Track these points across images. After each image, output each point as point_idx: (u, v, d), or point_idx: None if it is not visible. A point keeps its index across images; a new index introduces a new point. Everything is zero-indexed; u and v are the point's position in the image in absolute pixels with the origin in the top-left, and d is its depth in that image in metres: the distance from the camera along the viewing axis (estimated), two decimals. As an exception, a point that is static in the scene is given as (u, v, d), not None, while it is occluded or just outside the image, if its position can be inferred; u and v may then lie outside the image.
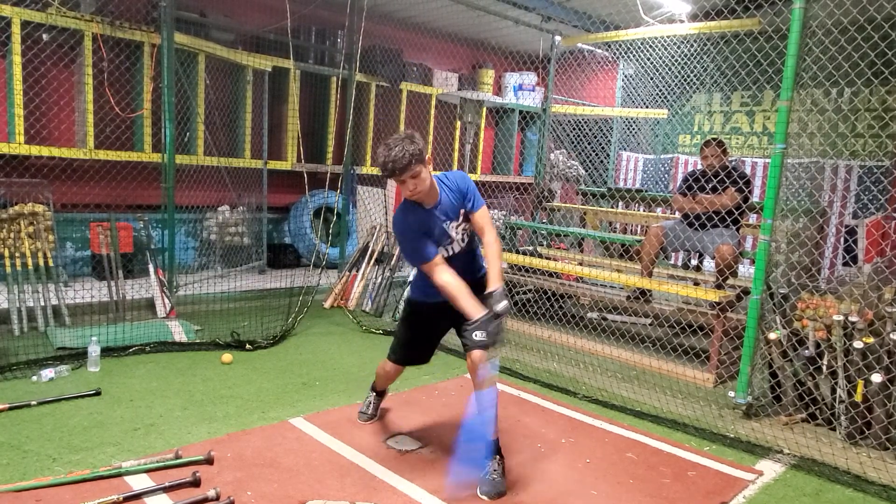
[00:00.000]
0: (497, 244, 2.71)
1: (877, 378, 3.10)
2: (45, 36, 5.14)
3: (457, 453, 2.89)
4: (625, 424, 3.41)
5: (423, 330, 2.95)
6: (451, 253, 2.74)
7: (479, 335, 2.56)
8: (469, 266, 2.81)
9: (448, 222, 2.70)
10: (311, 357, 4.23)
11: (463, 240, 2.77)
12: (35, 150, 5.07)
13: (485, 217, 2.73)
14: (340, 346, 4.52)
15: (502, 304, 2.54)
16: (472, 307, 2.54)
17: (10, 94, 4.91)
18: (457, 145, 8.26)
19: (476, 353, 2.58)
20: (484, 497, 2.56)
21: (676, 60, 6.85)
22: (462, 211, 2.72)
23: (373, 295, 5.62)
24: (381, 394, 3.32)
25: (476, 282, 2.73)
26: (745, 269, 6.42)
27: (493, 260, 2.69)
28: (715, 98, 8.56)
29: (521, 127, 9.26)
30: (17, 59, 4.82)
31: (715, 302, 4.10)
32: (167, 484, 2.46)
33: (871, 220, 6.19)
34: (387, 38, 7.14)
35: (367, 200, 6.65)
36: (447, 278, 2.59)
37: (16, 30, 4.78)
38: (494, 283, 2.60)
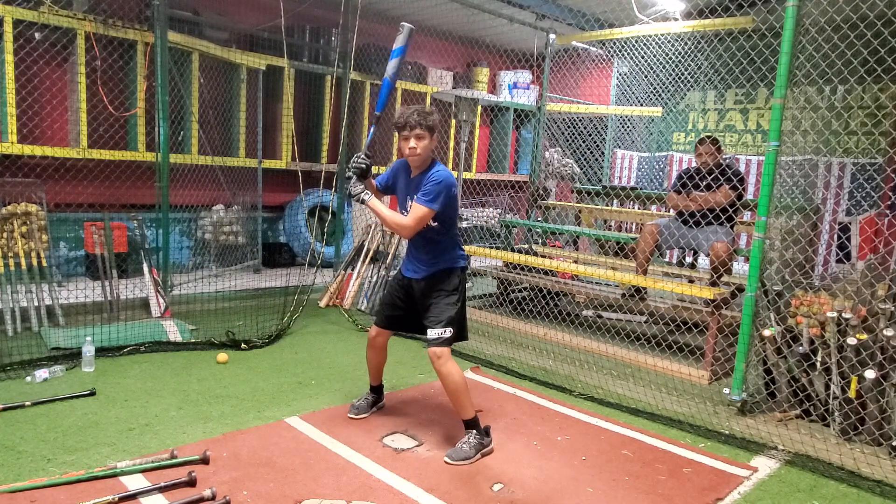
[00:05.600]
0: (399, 221, 2.85)
1: (870, 374, 3.12)
2: (37, 35, 5.11)
3: None
4: (620, 422, 3.42)
5: (388, 291, 3.20)
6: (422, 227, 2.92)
7: (431, 333, 2.88)
8: (426, 250, 2.98)
9: (409, 196, 2.94)
10: (307, 356, 4.23)
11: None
12: (28, 150, 5.05)
13: (413, 211, 2.83)
14: (336, 345, 4.52)
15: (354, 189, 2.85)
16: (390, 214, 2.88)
17: (2, 93, 4.88)
18: (452, 144, 8.26)
19: (429, 351, 2.86)
20: (446, 459, 2.80)
21: (671, 58, 6.87)
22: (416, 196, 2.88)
23: (368, 294, 5.62)
24: (373, 389, 3.34)
25: (430, 274, 2.97)
26: (740, 267, 6.45)
27: (387, 213, 2.87)
28: (709, 96, 8.58)
29: (516, 125, 9.27)
30: (9, 59, 4.80)
31: (710, 299, 4.11)
32: (163, 484, 2.45)
33: (864, 217, 6.23)
34: (381, 37, 7.13)
35: (362, 199, 6.63)
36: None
37: (8, 28, 4.75)
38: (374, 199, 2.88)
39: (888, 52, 3.45)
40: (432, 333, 2.87)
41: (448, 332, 2.87)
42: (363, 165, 2.86)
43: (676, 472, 2.88)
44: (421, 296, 3.00)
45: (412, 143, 2.79)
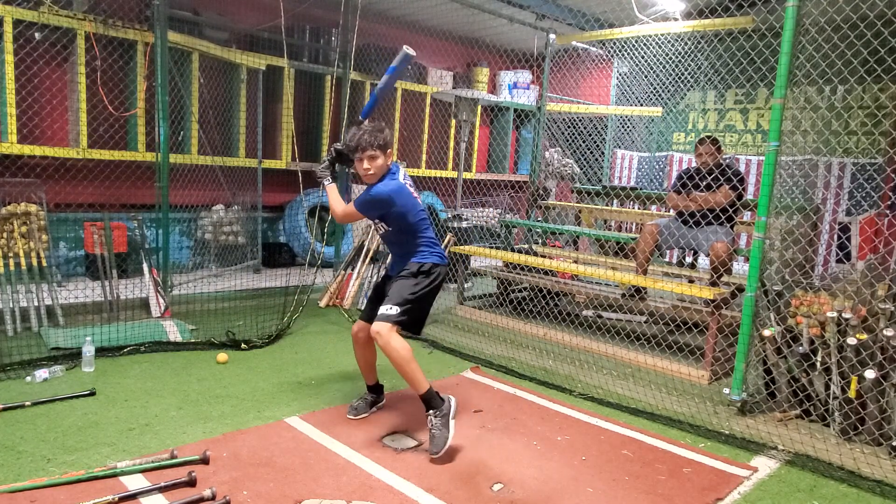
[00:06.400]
0: (334, 207, 3.12)
1: (870, 374, 3.12)
2: (37, 35, 5.11)
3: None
4: (620, 422, 3.42)
5: (373, 289, 3.34)
6: (380, 231, 3.13)
7: (383, 308, 2.90)
8: (393, 250, 3.19)
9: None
10: (307, 356, 4.23)
11: (380, 228, 3.10)
12: (28, 150, 5.05)
13: (348, 205, 3.12)
14: (336, 345, 4.52)
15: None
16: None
17: (2, 93, 4.88)
18: (452, 144, 8.26)
19: (372, 326, 2.88)
20: (433, 456, 2.78)
21: (671, 58, 6.87)
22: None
23: (368, 293, 5.61)
24: (371, 388, 3.34)
25: (402, 268, 3.07)
26: (740, 267, 6.45)
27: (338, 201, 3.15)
28: (709, 96, 8.58)
29: (516, 125, 9.27)
30: (9, 59, 4.80)
31: (710, 299, 4.11)
32: (163, 484, 2.45)
33: (864, 217, 6.23)
34: (381, 37, 7.13)
35: (362, 199, 6.64)
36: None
37: (8, 28, 4.76)
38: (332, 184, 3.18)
39: (888, 52, 3.45)
40: (381, 309, 2.90)
41: (395, 310, 2.88)
42: (328, 158, 3.15)
43: (676, 472, 2.88)
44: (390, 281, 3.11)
45: (365, 164, 2.94)
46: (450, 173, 8.18)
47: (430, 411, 2.86)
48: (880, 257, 4.17)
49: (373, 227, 5.91)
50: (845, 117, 6.90)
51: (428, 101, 7.89)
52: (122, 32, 5.27)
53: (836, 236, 6.52)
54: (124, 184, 5.72)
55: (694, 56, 6.89)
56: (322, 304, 5.66)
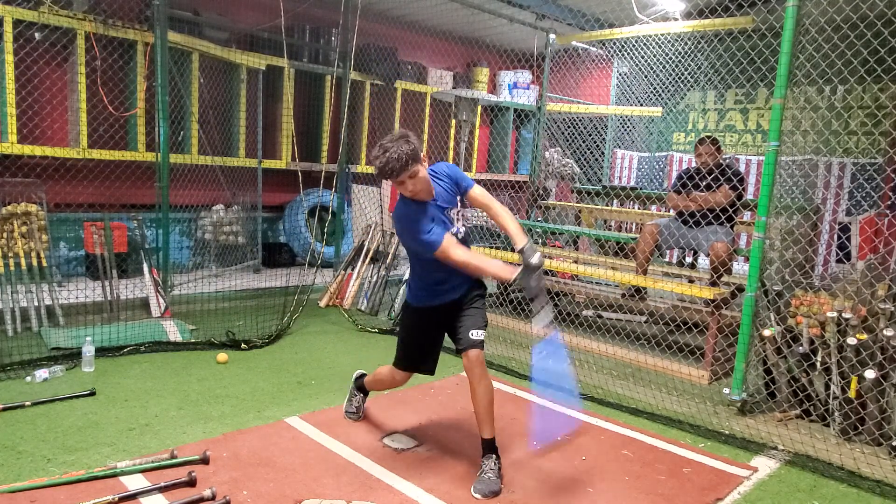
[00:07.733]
0: (506, 209, 2.71)
1: (870, 374, 3.12)
2: (37, 35, 5.11)
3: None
4: (620, 422, 3.42)
5: (418, 335, 2.87)
6: (459, 237, 2.71)
7: (475, 333, 2.66)
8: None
9: (447, 209, 2.69)
10: (307, 356, 4.23)
11: (462, 225, 2.75)
12: (28, 150, 5.05)
13: (483, 193, 2.74)
14: (336, 345, 4.52)
15: (536, 256, 2.51)
16: (503, 270, 2.56)
17: (2, 93, 4.88)
18: (452, 144, 8.26)
19: (473, 353, 2.64)
20: (477, 495, 2.56)
21: (671, 58, 6.87)
22: (458, 196, 2.74)
23: (368, 294, 5.62)
24: (367, 394, 3.30)
25: (469, 285, 2.76)
26: (740, 267, 6.45)
27: (510, 221, 2.68)
28: (709, 96, 8.58)
29: (516, 125, 9.27)
30: (9, 59, 4.80)
31: (710, 299, 4.11)
32: (163, 484, 2.45)
33: (864, 217, 6.22)
34: (381, 37, 7.13)
35: (362, 199, 6.65)
36: (463, 254, 2.56)
37: (8, 28, 4.75)
38: (521, 240, 2.59)
39: (888, 52, 3.45)
40: (478, 335, 2.66)
41: (484, 335, 2.72)
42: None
43: (676, 472, 2.88)
44: (459, 307, 2.75)
45: (410, 186, 2.52)
46: (450, 173, 8.16)
47: (493, 455, 2.67)
48: (880, 257, 4.17)
49: (373, 228, 5.94)
50: (845, 117, 6.90)
51: (428, 101, 7.89)
52: (122, 32, 5.27)
53: (836, 236, 6.52)
54: (124, 184, 5.72)
55: (694, 56, 6.89)
56: (322, 304, 5.66)
